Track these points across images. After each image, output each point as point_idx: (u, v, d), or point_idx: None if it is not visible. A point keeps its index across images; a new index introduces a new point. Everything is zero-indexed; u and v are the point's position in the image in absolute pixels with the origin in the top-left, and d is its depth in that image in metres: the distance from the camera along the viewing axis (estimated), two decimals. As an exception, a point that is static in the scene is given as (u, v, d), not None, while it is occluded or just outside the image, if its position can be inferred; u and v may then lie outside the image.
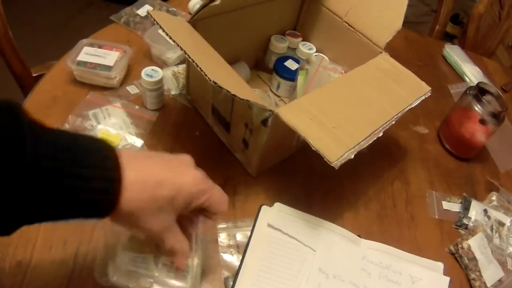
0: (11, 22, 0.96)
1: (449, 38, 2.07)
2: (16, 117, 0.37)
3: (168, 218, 0.47)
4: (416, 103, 0.72)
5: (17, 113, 0.37)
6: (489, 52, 1.34)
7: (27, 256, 0.59)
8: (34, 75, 1.06)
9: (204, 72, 0.55)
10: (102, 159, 0.41)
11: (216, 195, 0.50)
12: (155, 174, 0.45)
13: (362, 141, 0.62)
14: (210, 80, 0.54)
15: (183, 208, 0.47)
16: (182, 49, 0.58)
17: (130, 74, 0.87)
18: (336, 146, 0.60)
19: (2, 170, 0.34)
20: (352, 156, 0.60)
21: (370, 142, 0.63)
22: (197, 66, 0.56)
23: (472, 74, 1.11)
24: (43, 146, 0.37)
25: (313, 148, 0.59)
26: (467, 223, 0.78)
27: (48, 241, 0.61)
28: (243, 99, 0.57)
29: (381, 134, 0.65)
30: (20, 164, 0.35)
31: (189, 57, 0.57)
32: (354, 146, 0.61)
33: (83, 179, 0.39)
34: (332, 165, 0.58)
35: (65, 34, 0.91)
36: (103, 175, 0.40)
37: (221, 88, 0.55)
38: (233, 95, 0.56)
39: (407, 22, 0.79)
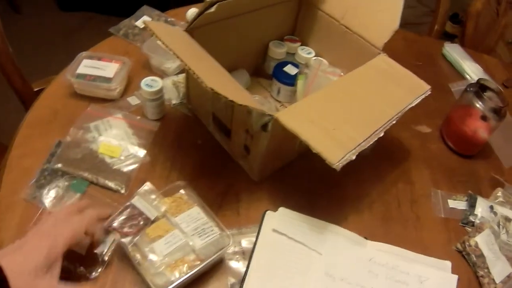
0: (13, 38, 0.97)
1: (450, 38, 2.07)
2: None
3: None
4: (416, 102, 0.71)
5: None
6: (488, 49, 1.34)
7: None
8: (35, 89, 1.07)
9: (201, 80, 0.55)
10: None
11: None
12: None
13: (363, 142, 0.62)
14: (207, 87, 0.55)
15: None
16: (179, 58, 0.59)
17: (130, 85, 0.87)
18: (336, 148, 0.60)
19: None
20: (354, 157, 0.60)
21: (371, 142, 0.63)
22: (194, 73, 0.56)
23: (473, 71, 1.10)
24: None
25: (314, 151, 0.58)
26: (473, 220, 0.77)
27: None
28: (241, 105, 0.57)
29: (382, 134, 0.65)
30: None
31: (186, 65, 0.58)
32: (355, 147, 0.61)
33: None
34: (334, 167, 0.58)
35: (66, 49, 0.92)
36: None
37: (219, 94, 0.55)
38: (231, 101, 0.56)
39: (407, 24, 0.79)
